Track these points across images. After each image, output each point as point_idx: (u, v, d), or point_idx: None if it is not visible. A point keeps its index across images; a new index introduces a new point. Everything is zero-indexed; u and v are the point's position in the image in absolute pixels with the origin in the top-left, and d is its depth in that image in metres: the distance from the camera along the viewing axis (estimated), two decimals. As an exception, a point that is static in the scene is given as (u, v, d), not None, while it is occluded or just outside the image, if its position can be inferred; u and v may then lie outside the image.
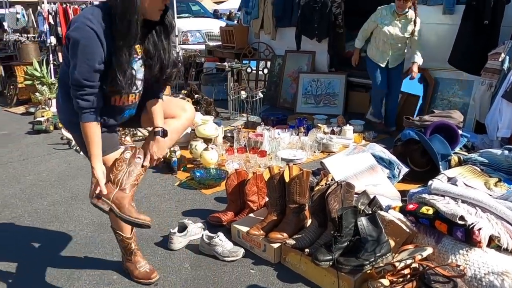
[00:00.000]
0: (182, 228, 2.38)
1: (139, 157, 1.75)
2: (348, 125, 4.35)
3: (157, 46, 1.73)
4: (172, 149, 3.48)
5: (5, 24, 10.13)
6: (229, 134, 4.18)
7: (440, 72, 4.56)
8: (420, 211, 2.15)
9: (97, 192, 1.66)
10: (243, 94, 5.28)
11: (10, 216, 2.77)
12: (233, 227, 2.37)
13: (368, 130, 4.44)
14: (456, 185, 2.50)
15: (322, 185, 2.40)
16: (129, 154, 1.74)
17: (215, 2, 22.05)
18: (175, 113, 1.92)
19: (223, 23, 9.18)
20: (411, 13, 4.01)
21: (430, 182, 2.37)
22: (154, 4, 1.63)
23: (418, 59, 4.09)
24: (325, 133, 4.13)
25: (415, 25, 3.98)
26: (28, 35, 9.39)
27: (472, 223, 1.93)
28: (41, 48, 6.93)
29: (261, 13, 6.27)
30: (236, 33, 6.64)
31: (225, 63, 5.71)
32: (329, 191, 2.03)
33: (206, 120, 3.49)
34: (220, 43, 7.34)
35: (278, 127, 4.40)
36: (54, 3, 6.49)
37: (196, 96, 5.42)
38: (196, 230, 2.38)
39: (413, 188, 2.98)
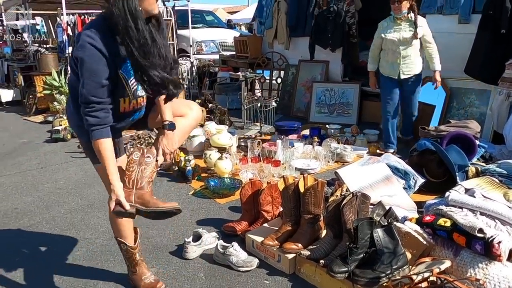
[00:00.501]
0: (197, 237, 2.39)
1: (148, 156, 1.75)
2: (362, 134, 4.33)
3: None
4: (186, 158, 3.52)
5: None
6: (243, 144, 4.20)
7: (456, 81, 4.51)
8: (438, 223, 2.11)
9: (117, 208, 1.66)
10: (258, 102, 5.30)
11: (29, 223, 2.82)
12: (248, 237, 2.37)
13: (382, 140, 4.40)
14: (474, 197, 2.46)
15: (337, 196, 2.40)
16: (137, 155, 1.75)
17: (228, 12, 22.31)
18: (182, 111, 1.93)
19: (236, 33, 9.27)
20: (411, 16, 3.82)
21: (447, 193, 2.33)
22: (148, 6, 1.60)
23: (437, 66, 3.88)
24: (339, 142, 4.12)
25: (416, 27, 3.75)
26: (47, 46, 9.65)
27: (492, 236, 1.89)
28: (60, 58, 7.11)
29: (274, 23, 6.32)
30: (250, 43, 6.70)
31: (239, 73, 5.75)
32: (344, 202, 2.02)
33: (220, 129, 3.52)
34: (234, 52, 7.41)
35: (292, 137, 4.40)
36: (73, 15, 6.65)
37: (210, 105, 5.47)
38: (210, 240, 2.39)
39: (430, 199, 2.95)
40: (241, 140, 4.35)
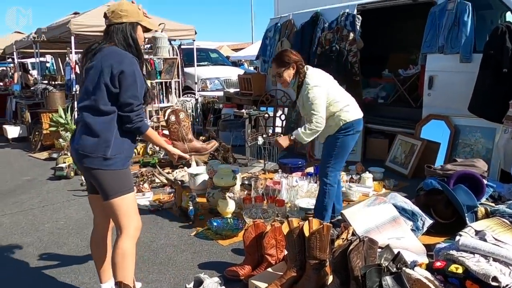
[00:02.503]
0: (198, 283, 2.30)
1: (181, 113, 2.54)
2: (367, 172, 4.28)
3: None
4: (189, 197, 3.47)
5: (35, 72, 10.71)
6: (246, 182, 4.15)
7: (460, 119, 4.51)
8: (449, 269, 2.03)
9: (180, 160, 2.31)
10: (260, 140, 5.30)
11: (27, 267, 2.74)
12: (251, 283, 2.28)
13: (388, 177, 4.35)
14: (485, 240, 2.37)
15: (343, 238, 2.33)
16: (173, 117, 2.52)
17: (233, 49, 22.86)
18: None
19: (241, 71, 9.45)
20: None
21: (457, 237, 2.26)
22: (140, 38, 2.11)
23: (295, 133, 2.91)
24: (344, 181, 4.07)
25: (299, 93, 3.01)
26: (56, 82, 9.86)
27: (507, 285, 1.81)
28: (67, 95, 7.23)
29: (278, 62, 6.43)
30: (254, 81, 6.80)
31: (243, 110, 5.80)
32: (351, 247, 1.95)
33: (224, 169, 3.49)
34: (238, 89, 7.52)
35: (296, 174, 4.36)
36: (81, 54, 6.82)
37: (214, 142, 5.47)
38: (212, 285, 2.30)
39: (439, 241, 2.86)
40: (245, 178, 4.31)
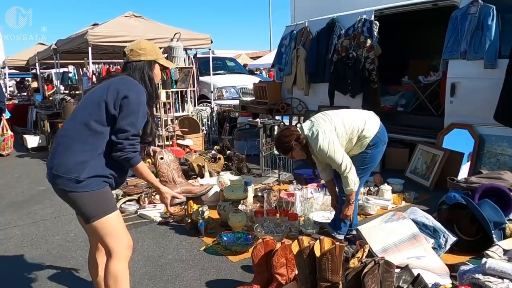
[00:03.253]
0: (204, 303, 2.19)
1: (168, 154, 2.32)
2: (386, 184, 4.09)
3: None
4: (200, 209, 3.38)
5: (58, 82, 10.93)
6: (259, 194, 4.03)
7: (485, 128, 4.27)
8: (475, 295, 1.86)
9: (173, 201, 2.11)
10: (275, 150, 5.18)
11: (32, 283, 2.70)
12: (259, 305, 2.15)
13: (408, 190, 4.15)
14: (515, 261, 2.19)
15: (358, 257, 2.18)
16: (162, 158, 2.25)
17: (251, 58, 22.92)
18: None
19: (257, 79, 9.38)
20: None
21: (484, 259, 2.08)
22: (157, 76, 2.13)
23: (347, 192, 2.84)
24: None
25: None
26: (77, 92, 10.03)
27: (541, 317, 1.62)
28: (85, 105, 7.31)
29: (294, 70, 6.34)
30: (269, 89, 6.71)
31: (257, 119, 5.70)
32: (365, 270, 1.80)
33: (234, 182, 3.38)
34: (254, 98, 7.44)
35: (311, 186, 4.21)
36: (99, 64, 6.90)
37: (228, 152, 5.39)
38: (218, 307, 2.18)
39: (463, 260, 2.68)
40: (258, 189, 4.20)
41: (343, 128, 2.78)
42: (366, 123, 2.81)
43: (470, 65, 4.29)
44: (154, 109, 2.06)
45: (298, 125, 2.96)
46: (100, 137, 1.86)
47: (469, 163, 4.29)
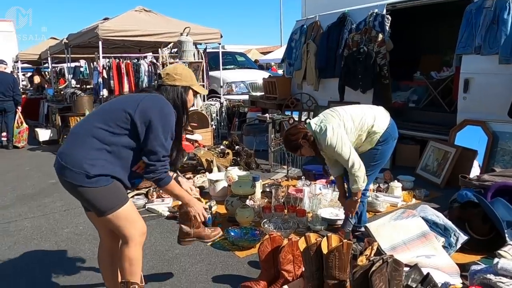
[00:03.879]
0: (210, 298, 2.18)
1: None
2: (396, 181, 4.03)
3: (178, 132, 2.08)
4: (208, 204, 3.37)
5: (70, 76, 11.04)
6: (268, 189, 4.01)
7: (499, 124, 4.18)
8: (486, 296, 1.81)
9: (201, 219, 2.23)
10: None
11: (41, 273, 2.72)
12: (265, 301, 2.14)
13: (419, 187, 4.09)
14: (528, 261, 2.13)
15: (366, 255, 2.14)
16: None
17: (261, 53, 22.81)
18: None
19: (267, 74, 9.34)
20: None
21: (496, 259, 2.03)
22: (190, 101, 2.16)
23: (353, 191, 2.82)
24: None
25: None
26: (88, 86, 10.11)
27: (555, 319, 1.58)
28: (95, 99, 7.36)
29: (303, 65, 6.28)
30: (279, 84, 6.66)
31: (266, 115, 5.67)
32: (373, 269, 1.77)
33: (242, 177, 3.36)
34: (263, 93, 7.40)
35: (320, 182, 4.17)
36: (109, 58, 6.92)
37: (237, 147, 5.37)
38: (224, 302, 2.17)
39: (474, 260, 2.62)
40: (266, 185, 4.17)
41: (352, 124, 2.73)
42: (376, 118, 2.76)
43: (484, 60, 4.20)
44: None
45: (307, 121, 2.91)
46: (117, 139, 1.87)
47: (481, 161, 4.20)
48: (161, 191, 4.13)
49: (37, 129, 7.81)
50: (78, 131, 1.94)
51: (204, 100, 7.52)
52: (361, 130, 2.74)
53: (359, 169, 2.67)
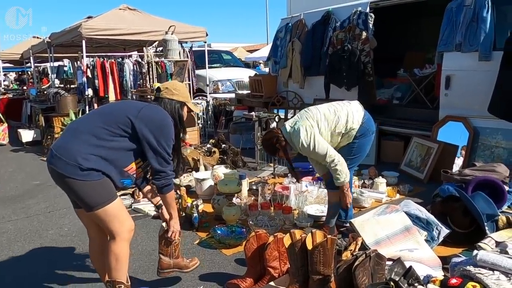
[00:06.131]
0: (196, 297, 2.19)
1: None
2: (380, 177, 4.09)
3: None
4: (194, 203, 3.37)
5: (54, 76, 10.84)
6: (254, 187, 4.03)
7: (480, 120, 4.27)
8: (465, 287, 1.86)
9: (172, 238, 2.27)
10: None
11: (26, 275, 2.69)
12: (252, 298, 2.16)
13: (403, 182, 4.16)
14: (507, 252, 2.20)
15: (351, 250, 2.18)
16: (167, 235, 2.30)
17: (248, 51, 22.77)
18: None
19: (253, 72, 9.34)
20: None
21: (475, 251, 2.08)
22: (185, 116, 2.24)
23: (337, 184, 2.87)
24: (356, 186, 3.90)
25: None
26: (72, 86, 9.95)
27: (530, 308, 1.63)
28: (79, 99, 7.26)
29: (289, 63, 6.30)
30: (265, 82, 6.68)
31: (252, 113, 5.68)
32: (356, 263, 1.80)
33: (228, 175, 3.37)
34: (249, 91, 7.40)
35: (306, 179, 4.21)
36: (93, 57, 6.84)
37: (223, 146, 5.38)
38: (211, 300, 2.19)
39: (456, 252, 2.69)
40: (253, 183, 4.19)
41: (326, 123, 2.77)
42: (350, 114, 2.81)
43: (465, 57, 4.28)
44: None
45: (284, 123, 2.96)
46: (115, 139, 1.93)
47: (463, 155, 4.29)
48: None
49: (19, 130, 7.67)
50: (76, 127, 2.00)
51: (191, 99, 7.49)
52: (336, 128, 2.79)
53: (340, 163, 2.72)
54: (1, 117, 7.37)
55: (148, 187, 2.31)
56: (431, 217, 2.85)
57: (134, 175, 2.07)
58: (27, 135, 7.51)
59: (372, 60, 5.20)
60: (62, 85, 11.88)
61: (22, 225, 3.61)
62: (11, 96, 10.89)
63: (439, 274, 2.30)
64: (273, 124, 5.24)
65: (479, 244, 2.60)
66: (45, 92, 8.70)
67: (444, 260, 2.50)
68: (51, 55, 8.81)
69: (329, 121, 2.78)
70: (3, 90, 12.09)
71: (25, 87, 12.75)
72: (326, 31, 5.72)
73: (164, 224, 2.31)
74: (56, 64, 12.98)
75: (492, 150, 4.14)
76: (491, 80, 3.94)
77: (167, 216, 2.25)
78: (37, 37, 12.14)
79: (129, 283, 2.09)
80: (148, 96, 5.92)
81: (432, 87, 5.35)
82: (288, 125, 2.85)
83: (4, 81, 15.76)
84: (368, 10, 5.27)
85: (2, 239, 3.31)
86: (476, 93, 4.20)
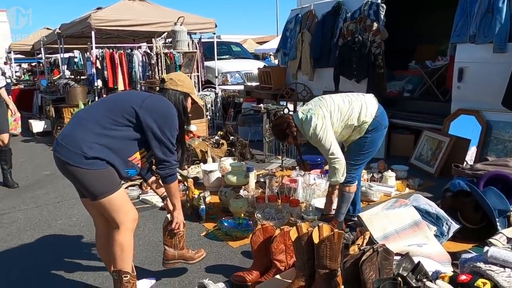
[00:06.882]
0: (202, 288, 2.19)
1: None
2: (390, 171, 4.04)
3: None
4: (202, 195, 3.37)
5: (64, 67, 10.91)
6: (261, 179, 4.01)
7: (493, 114, 4.18)
8: (475, 284, 1.82)
9: (176, 229, 2.28)
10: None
11: (35, 264, 2.72)
12: (257, 291, 2.15)
13: (412, 176, 4.10)
14: (519, 249, 2.14)
15: (358, 244, 2.15)
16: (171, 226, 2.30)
17: (257, 42, 22.62)
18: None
19: (262, 64, 9.27)
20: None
21: (486, 247, 2.03)
22: (189, 107, 2.24)
23: (331, 183, 3.06)
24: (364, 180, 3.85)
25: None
26: (82, 77, 10.00)
27: (542, 306, 1.59)
28: (89, 90, 7.29)
29: (298, 54, 6.24)
30: (274, 74, 6.62)
31: (261, 105, 5.65)
32: (363, 258, 1.77)
33: (235, 167, 3.35)
34: (258, 83, 7.36)
35: (315, 172, 4.17)
36: (102, 49, 6.85)
37: (231, 138, 5.36)
38: (216, 292, 2.18)
39: (466, 248, 2.64)
40: (261, 175, 4.17)
41: (339, 115, 2.73)
42: (364, 107, 2.75)
43: (478, 49, 4.18)
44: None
45: (297, 108, 2.95)
46: (119, 129, 1.92)
47: (475, 149, 4.21)
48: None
49: (30, 121, 7.75)
50: (82, 116, 2.01)
51: (199, 91, 7.47)
52: (349, 120, 2.74)
53: (339, 162, 2.70)
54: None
55: (153, 178, 2.30)
56: (441, 212, 2.80)
57: (139, 165, 2.06)
58: (38, 125, 7.59)
59: (383, 51, 5.11)
60: (72, 76, 11.97)
61: (31, 214, 3.65)
62: (23, 87, 11.00)
63: (448, 270, 2.27)
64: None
65: (490, 240, 2.55)
66: (56, 83, 8.76)
67: (454, 256, 2.46)
68: (61, 46, 8.84)
69: (343, 113, 2.73)
70: (15, 81, 12.21)
71: (36, 78, 12.85)
72: (337, 22, 5.63)
73: (169, 215, 2.30)
74: (67, 55, 13.09)
75: (505, 145, 4.06)
76: (506, 72, 3.85)
77: (171, 207, 2.25)
78: (48, 28, 12.21)
79: (135, 273, 2.09)
80: (157, 88, 5.91)
81: (444, 79, 5.26)
82: (300, 111, 2.81)
83: (16, 72, 15.93)
84: (379, 0, 5.17)
85: (12, 228, 3.35)
86: (489, 86, 4.11)
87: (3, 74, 4.64)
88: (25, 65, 20.23)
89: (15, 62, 14.90)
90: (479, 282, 1.81)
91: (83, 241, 3.05)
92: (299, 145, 2.95)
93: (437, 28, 6.24)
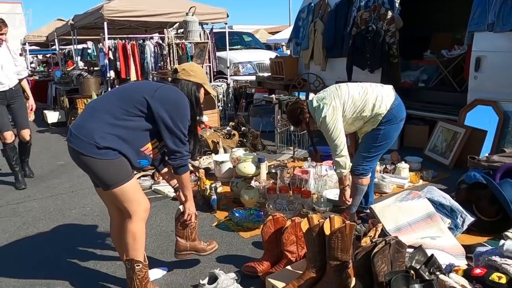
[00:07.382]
0: (213, 279, 2.20)
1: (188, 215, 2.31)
2: (403, 162, 3.99)
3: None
4: (212, 186, 3.37)
5: (78, 58, 11.00)
6: (273, 170, 4.00)
7: (511, 104, 4.07)
8: (490, 278, 1.79)
9: (188, 220, 2.30)
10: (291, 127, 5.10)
11: (50, 252, 2.77)
12: (268, 281, 2.15)
13: (426, 168, 4.03)
14: (536, 243, 2.09)
15: (370, 236, 2.13)
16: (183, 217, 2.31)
17: (270, 33, 22.46)
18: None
19: (274, 55, 9.19)
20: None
21: (502, 241, 2.00)
22: (201, 98, 2.23)
23: (337, 175, 2.95)
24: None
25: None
26: (94, 68, 10.08)
27: (560, 302, 1.55)
28: (102, 81, 7.35)
29: (311, 44, 6.16)
30: (286, 65, 6.56)
31: (273, 95, 5.61)
32: (375, 250, 1.75)
33: (247, 158, 3.34)
34: (270, 74, 7.31)
35: (327, 163, 4.14)
36: (114, 39, 6.87)
37: (243, 128, 5.35)
38: (227, 282, 2.19)
39: (480, 241, 2.60)
40: (272, 166, 4.16)
41: (352, 106, 2.71)
42: (378, 98, 2.71)
43: (497, 37, 4.06)
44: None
45: (312, 95, 2.96)
46: (131, 119, 1.93)
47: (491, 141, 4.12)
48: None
49: (45, 111, 7.86)
50: (94, 106, 2.01)
51: (210, 81, 7.46)
52: (362, 112, 2.72)
53: (339, 155, 2.72)
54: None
55: (165, 169, 2.30)
56: (456, 204, 2.75)
57: (151, 156, 2.07)
58: (52, 116, 7.69)
59: (397, 41, 5.01)
60: (86, 67, 12.08)
61: (46, 204, 3.72)
62: (37, 78, 11.14)
63: (462, 263, 2.23)
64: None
65: (506, 233, 2.51)
66: (69, 74, 8.84)
67: (468, 249, 2.42)
68: (74, 37, 8.91)
69: (356, 105, 2.71)
70: (30, 72, 12.38)
71: (50, 69, 13.00)
72: (350, 11, 5.53)
73: (181, 206, 2.31)
74: (80, 46, 13.21)
75: (523, 136, 3.96)
76: (525, 61, 3.73)
77: (183, 198, 2.25)
78: (61, 20, 12.30)
79: (147, 262, 2.11)
80: (169, 78, 5.93)
81: (461, 69, 5.13)
82: (315, 99, 2.81)
83: (31, 63, 16.14)
84: (394, -12, 5.05)
85: (28, 216, 3.42)
86: (508, 75, 4.00)
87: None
88: (40, 56, 20.51)
89: (30, 54, 15.07)
90: (494, 276, 1.78)
91: (97, 231, 3.10)
92: (311, 133, 2.95)
93: (453, 16, 6.08)
